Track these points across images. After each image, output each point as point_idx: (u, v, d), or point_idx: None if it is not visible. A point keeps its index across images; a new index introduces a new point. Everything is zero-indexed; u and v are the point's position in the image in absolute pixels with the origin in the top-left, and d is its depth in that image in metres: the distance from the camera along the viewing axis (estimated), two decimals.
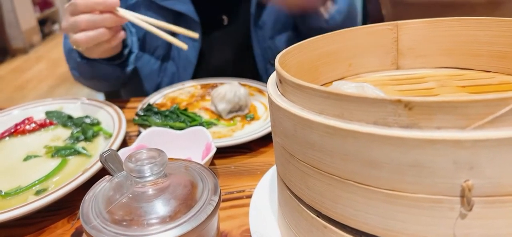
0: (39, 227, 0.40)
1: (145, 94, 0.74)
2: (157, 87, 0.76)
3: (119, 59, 0.65)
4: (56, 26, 4.85)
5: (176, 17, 0.71)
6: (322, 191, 0.25)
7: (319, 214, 0.26)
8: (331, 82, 0.40)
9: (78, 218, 0.42)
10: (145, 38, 0.74)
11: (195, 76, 0.75)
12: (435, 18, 0.39)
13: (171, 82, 0.76)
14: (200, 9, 0.71)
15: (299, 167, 0.26)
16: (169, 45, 0.75)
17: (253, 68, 0.78)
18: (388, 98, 0.21)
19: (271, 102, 0.29)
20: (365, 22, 0.90)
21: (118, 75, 0.67)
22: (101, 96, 1.00)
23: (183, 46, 0.60)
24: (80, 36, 0.54)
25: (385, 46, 0.40)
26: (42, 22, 4.54)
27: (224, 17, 0.76)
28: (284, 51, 0.34)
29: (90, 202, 0.28)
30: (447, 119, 0.20)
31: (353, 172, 0.23)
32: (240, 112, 0.58)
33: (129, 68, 0.67)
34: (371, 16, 0.85)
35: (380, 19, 0.85)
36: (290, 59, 0.35)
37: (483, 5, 0.89)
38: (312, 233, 0.27)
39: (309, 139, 0.24)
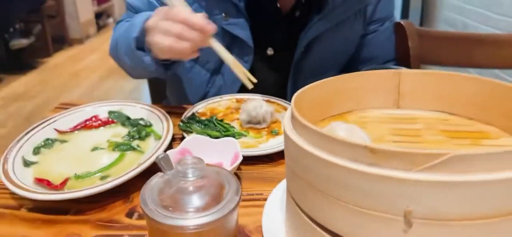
0: (101, 205, 0.52)
1: (193, 100, 0.84)
2: (204, 96, 0.86)
3: (168, 61, 0.70)
4: (110, 20, 5.19)
5: (233, 40, 0.80)
6: (314, 202, 0.34)
7: (310, 218, 0.35)
8: (341, 113, 0.49)
9: (131, 201, 0.53)
10: (200, 51, 0.84)
11: (239, 91, 0.85)
12: (431, 70, 0.47)
13: (218, 93, 0.85)
14: (254, 37, 0.80)
15: (299, 182, 0.36)
16: (221, 61, 0.84)
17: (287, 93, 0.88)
18: (359, 143, 0.30)
19: (284, 131, 0.38)
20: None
21: (158, 73, 0.73)
22: (148, 99, 1.13)
23: (249, 85, 0.69)
24: (167, 42, 0.59)
25: (389, 89, 0.49)
26: (98, 15, 4.88)
27: (270, 49, 0.85)
28: (301, 89, 0.43)
29: (148, 191, 0.39)
30: (398, 163, 0.28)
31: (333, 190, 0.32)
32: (258, 125, 0.68)
33: (170, 72, 0.75)
34: (397, 47, 0.92)
35: (406, 50, 0.91)
36: (307, 94, 0.45)
37: (508, 43, 0.93)
38: (305, 232, 0.36)
39: (306, 164, 0.34)
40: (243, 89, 0.85)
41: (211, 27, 0.61)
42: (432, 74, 0.47)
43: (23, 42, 3.41)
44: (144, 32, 0.65)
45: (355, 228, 0.31)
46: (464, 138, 0.40)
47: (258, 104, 0.67)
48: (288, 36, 0.84)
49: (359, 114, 0.48)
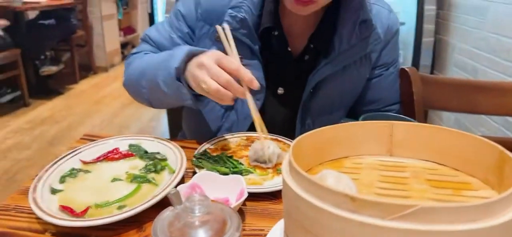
0: (117, 232, 0.57)
1: (207, 132, 0.90)
2: (218, 129, 0.92)
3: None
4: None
5: None
6: None
7: None
8: (337, 159, 0.53)
9: (144, 230, 0.58)
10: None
11: (251, 128, 0.90)
12: (421, 124, 0.51)
13: (230, 128, 0.91)
14: (266, 77, 0.87)
15: (292, 221, 0.40)
16: (235, 98, 0.90)
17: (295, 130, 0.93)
18: (342, 192, 0.34)
19: (282, 174, 0.43)
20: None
21: (189, 103, 0.77)
22: (166, 128, 1.20)
23: (261, 136, 0.75)
24: (213, 85, 0.65)
25: (382, 138, 0.53)
26: (124, 45, 5.11)
27: (280, 89, 0.91)
28: (301, 136, 0.48)
29: (159, 223, 0.44)
30: (375, 211, 0.32)
31: (320, 232, 0.36)
32: (264, 164, 0.72)
33: (201, 103, 0.81)
34: (402, 92, 0.96)
35: (410, 95, 0.96)
36: (307, 140, 0.49)
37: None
38: None
39: (298, 206, 0.38)
40: (253, 124, 0.91)
41: (256, 83, 0.67)
42: (423, 127, 0.51)
43: (52, 69, 3.60)
44: (185, 64, 0.72)
45: None
46: (446, 188, 0.44)
47: (266, 145, 0.72)
48: (297, 77, 0.89)
49: (354, 160, 0.52)
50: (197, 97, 0.77)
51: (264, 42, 0.87)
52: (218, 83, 0.66)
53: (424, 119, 1.01)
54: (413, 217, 0.31)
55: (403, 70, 0.97)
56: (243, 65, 0.84)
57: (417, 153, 0.51)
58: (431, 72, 2.08)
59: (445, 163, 0.49)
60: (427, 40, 2.03)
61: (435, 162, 0.50)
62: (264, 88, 0.87)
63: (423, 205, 0.31)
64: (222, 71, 0.67)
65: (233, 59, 0.69)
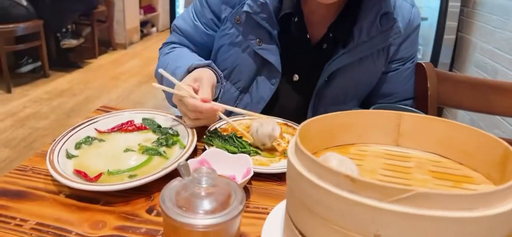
0: (127, 199, 0.60)
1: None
2: (230, 111, 0.94)
3: None
4: (154, 29, 5.46)
5: (263, 63, 0.89)
6: (304, 219, 0.40)
7: (301, 233, 0.41)
8: (343, 145, 0.54)
9: (152, 199, 0.61)
10: (233, 70, 0.92)
11: (264, 111, 0.92)
12: (430, 116, 0.51)
13: (244, 110, 0.93)
14: (282, 62, 0.88)
15: (294, 200, 0.41)
16: (251, 81, 0.92)
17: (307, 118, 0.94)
18: (343, 173, 0.35)
19: (288, 154, 0.44)
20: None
21: None
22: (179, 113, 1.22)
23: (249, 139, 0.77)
24: (188, 123, 0.76)
25: (389, 128, 0.53)
26: (143, 24, 5.16)
27: (296, 75, 0.92)
28: (309, 120, 0.49)
29: (167, 191, 0.46)
30: (373, 193, 0.34)
31: (320, 210, 0.37)
32: (261, 146, 0.74)
33: None
34: (416, 87, 0.95)
35: (425, 90, 0.95)
36: (314, 125, 0.50)
37: None
38: None
39: (300, 185, 0.39)
40: (266, 108, 0.92)
41: (216, 108, 0.73)
42: (430, 119, 0.51)
43: (73, 42, 3.67)
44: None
45: None
46: (448, 180, 0.44)
47: (258, 125, 0.73)
48: (313, 65, 0.90)
49: (359, 147, 0.53)
50: None
51: (283, 28, 0.87)
52: (190, 119, 0.75)
53: (438, 116, 1.00)
54: (410, 201, 0.32)
55: (419, 64, 0.96)
56: (261, 49, 0.86)
57: (423, 144, 0.52)
58: (450, 70, 2.05)
59: (449, 156, 0.50)
60: (449, 37, 1.99)
61: (440, 155, 0.51)
62: (279, 73, 0.88)
63: (419, 190, 0.32)
64: (187, 111, 0.74)
65: (189, 99, 0.73)
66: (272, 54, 0.87)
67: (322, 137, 0.52)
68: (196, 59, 0.87)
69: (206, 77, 0.77)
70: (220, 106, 0.75)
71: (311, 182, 0.37)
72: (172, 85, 0.76)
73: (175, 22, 0.99)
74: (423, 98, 0.96)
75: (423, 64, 0.96)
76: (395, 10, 0.85)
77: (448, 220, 0.32)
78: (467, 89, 0.98)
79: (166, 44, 1.00)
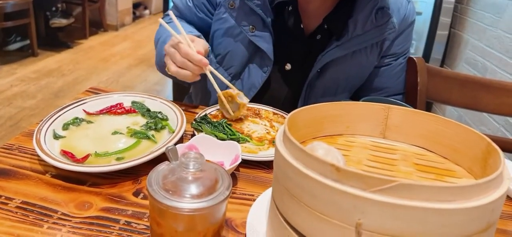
0: (114, 182, 0.60)
1: (214, 98, 0.92)
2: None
3: None
4: (146, 11, 5.39)
5: (256, 50, 0.88)
6: (288, 205, 0.40)
7: (285, 219, 0.41)
8: (331, 135, 0.55)
9: (139, 182, 0.61)
10: (225, 56, 0.92)
11: (255, 99, 0.92)
12: (417, 110, 0.52)
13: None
14: (275, 51, 0.88)
15: (280, 187, 0.42)
16: (243, 68, 0.92)
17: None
18: (327, 162, 0.36)
19: (276, 141, 0.45)
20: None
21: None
22: (170, 92, 1.22)
23: (231, 116, 0.80)
24: (172, 68, 0.75)
25: (377, 120, 0.54)
26: (136, 6, 5.08)
27: (288, 65, 0.92)
28: (298, 109, 0.50)
29: (155, 174, 0.46)
30: (356, 183, 0.34)
31: (304, 197, 0.38)
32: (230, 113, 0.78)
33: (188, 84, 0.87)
34: (407, 81, 0.96)
35: (415, 84, 0.96)
36: (303, 114, 0.51)
37: None
38: (279, 231, 0.42)
39: (286, 171, 0.40)
40: (257, 96, 0.92)
41: (205, 61, 0.75)
42: (417, 113, 0.52)
43: (63, 21, 3.60)
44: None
45: (317, 232, 0.37)
46: (431, 173, 0.45)
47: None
48: (306, 55, 0.90)
49: (347, 138, 0.54)
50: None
51: (278, 16, 0.87)
52: (176, 65, 0.75)
53: (427, 110, 1.01)
54: (392, 192, 0.33)
55: (410, 59, 0.97)
56: (254, 36, 0.85)
57: (409, 138, 0.53)
58: (441, 66, 2.07)
59: (434, 150, 0.51)
60: (441, 33, 2.01)
61: (425, 148, 0.51)
62: (271, 61, 0.88)
63: (401, 181, 0.32)
64: (177, 54, 0.75)
65: (184, 44, 0.75)
66: (264, 42, 0.87)
67: (311, 127, 0.52)
68: (192, 29, 0.90)
69: (202, 41, 0.80)
70: (205, 62, 0.76)
71: (297, 170, 0.38)
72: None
73: None
74: (413, 92, 0.97)
75: (414, 58, 0.97)
76: (390, 5, 0.85)
77: (428, 211, 0.32)
78: (456, 86, 0.99)
79: (165, 15, 1.01)
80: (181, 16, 0.96)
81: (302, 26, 0.88)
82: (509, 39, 1.56)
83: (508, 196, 0.66)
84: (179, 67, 0.75)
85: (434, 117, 0.50)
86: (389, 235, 0.33)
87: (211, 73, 0.78)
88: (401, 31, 0.91)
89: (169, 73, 0.78)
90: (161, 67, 0.86)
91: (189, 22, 0.96)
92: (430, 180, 0.44)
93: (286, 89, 0.95)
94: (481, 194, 0.34)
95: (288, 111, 0.88)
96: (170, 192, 0.44)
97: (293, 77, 0.93)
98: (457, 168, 0.47)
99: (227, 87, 0.81)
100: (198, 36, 0.83)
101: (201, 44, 0.78)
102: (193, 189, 0.44)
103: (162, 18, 1.00)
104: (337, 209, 0.35)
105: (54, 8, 3.52)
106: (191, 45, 0.75)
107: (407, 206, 0.32)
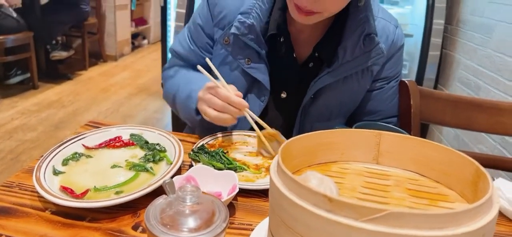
0: (113, 216, 0.60)
1: (213, 128, 0.93)
2: (222, 126, 0.95)
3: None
4: (145, 41, 5.47)
5: (253, 82, 0.91)
6: (284, 235, 0.41)
7: None
8: (326, 162, 0.56)
9: (138, 216, 0.61)
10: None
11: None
12: (407, 136, 0.53)
13: (235, 126, 0.94)
14: (270, 80, 0.90)
15: (276, 218, 0.42)
16: (243, 96, 0.94)
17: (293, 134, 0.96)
18: (321, 193, 0.37)
19: (270, 172, 0.46)
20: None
21: (192, 119, 0.88)
22: (169, 120, 1.23)
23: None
24: (213, 114, 0.76)
25: (370, 146, 0.55)
26: (134, 36, 5.16)
27: (284, 93, 0.94)
28: (292, 138, 0.51)
29: (152, 209, 0.47)
30: (349, 212, 0.35)
31: (298, 228, 0.38)
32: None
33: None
34: (400, 104, 0.98)
35: (408, 107, 0.98)
36: (297, 143, 0.52)
37: (508, 110, 0.98)
38: None
39: (281, 203, 0.41)
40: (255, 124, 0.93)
41: (245, 104, 0.77)
42: (408, 139, 0.53)
43: (63, 54, 3.66)
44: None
45: None
46: (424, 198, 0.46)
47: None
48: (300, 83, 0.92)
49: (341, 165, 0.55)
50: None
51: (271, 46, 0.89)
52: (216, 110, 0.76)
53: (420, 132, 1.03)
54: (384, 221, 0.34)
55: (402, 82, 0.99)
56: (250, 68, 0.88)
57: (402, 163, 0.54)
58: (435, 86, 2.09)
59: (427, 175, 0.52)
60: (433, 54, 2.04)
61: (418, 173, 0.52)
62: (268, 91, 0.90)
63: (392, 210, 0.33)
64: (216, 98, 0.76)
65: (222, 88, 0.77)
66: (261, 73, 0.89)
67: (305, 155, 0.54)
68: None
69: (232, 85, 0.82)
70: (246, 104, 0.77)
71: (291, 201, 0.39)
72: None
73: (172, 46, 1.01)
74: (407, 115, 0.99)
75: (406, 81, 0.98)
76: (379, 31, 0.88)
77: None
78: (449, 106, 1.01)
79: (167, 68, 1.02)
80: (184, 62, 0.98)
81: (295, 55, 0.90)
82: (499, 59, 1.59)
83: (505, 216, 0.67)
84: (219, 111, 0.76)
85: (424, 142, 0.52)
86: None
87: (248, 113, 0.80)
88: (390, 56, 0.93)
89: (206, 118, 0.79)
90: (191, 121, 0.88)
91: (192, 66, 0.96)
92: (423, 205, 0.45)
93: (282, 116, 0.97)
94: (472, 220, 0.35)
95: (285, 136, 0.89)
96: (168, 226, 0.44)
97: (289, 104, 0.95)
98: (449, 192, 0.48)
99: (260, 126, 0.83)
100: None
101: (233, 87, 0.81)
102: (191, 222, 0.45)
103: (164, 69, 1.03)
104: None
105: (54, 42, 3.58)
106: (228, 88, 0.77)
107: (398, 234, 0.33)
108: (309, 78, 0.90)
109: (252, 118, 0.80)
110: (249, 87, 0.92)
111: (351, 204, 0.35)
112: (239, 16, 0.86)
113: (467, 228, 0.34)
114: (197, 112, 0.84)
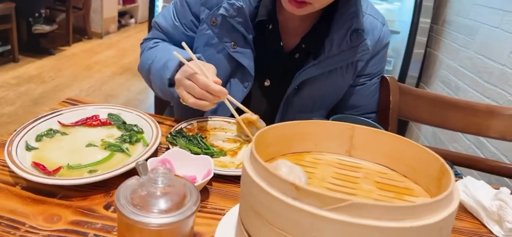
0: (85, 194, 0.60)
1: (195, 111, 0.92)
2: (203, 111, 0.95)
3: None
4: (132, 20, 5.37)
5: (237, 66, 0.90)
6: (252, 221, 0.42)
7: (249, 234, 0.43)
8: (300, 152, 0.57)
9: (111, 195, 0.61)
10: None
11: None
12: (380, 130, 0.55)
13: (215, 110, 0.94)
14: (255, 67, 0.90)
15: (245, 203, 0.43)
16: (224, 83, 0.92)
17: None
18: (289, 181, 0.37)
19: (243, 160, 0.46)
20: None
21: (171, 96, 0.85)
22: (152, 102, 1.22)
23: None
24: (191, 100, 0.74)
25: (343, 139, 0.56)
26: (121, 14, 5.06)
27: (267, 81, 0.94)
28: (267, 127, 0.51)
29: (123, 189, 0.47)
30: (314, 201, 0.36)
31: (266, 214, 0.39)
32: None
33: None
34: (380, 98, 0.99)
35: (387, 102, 0.99)
36: (272, 132, 0.53)
37: (482, 112, 1.00)
38: None
39: (250, 189, 0.41)
40: (237, 110, 0.93)
41: (225, 91, 0.75)
42: (381, 133, 0.54)
43: (45, 28, 3.56)
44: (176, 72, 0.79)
45: None
46: (390, 191, 0.47)
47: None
48: (285, 72, 0.92)
49: (315, 156, 0.56)
50: None
51: (259, 33, 0.89)
52: (194, 96, 0.75)
53: (400, 128, 1.05)
54: (346, 210, 0.35)
55: (383, 78, 1.00)
56: (236, 52, 0.87)
57: (373, 156, 0.55)
58: (417, 84, 2.13)
59: (396, 169, 0.53)
60: (418, 51, 2.08)
61: (388, 167, 0.54)
62: (252, 77, 0.90)
63: (355, 201, 0.34)
64: (195, 85, 0.74)
65: (201, 76, 0.75)
66: (246, 58, 0.89)
67: (280, 144, 0.54)
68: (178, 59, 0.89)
69: (212, 67, 0.80)
70: (225, 92, 0.76)
71: (260, 188, 0.39)
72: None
73: (155, 18, 0.99)
74: (385, 110, 1.00)
75: (387, 77, 1.00)
76: (366, 27, 0.89)
77: (380, 229, 0.34)
78: (426, 104, 1.03)
79: (148, 39, 1.00)
80: (166, 36, 0.96)
81: (282, 44, 0.90)
82: (480, 61, 1.63)
83: (470, 213, 0.69)
84: (197, 98, 0.75)
85: (395, 138, 0.53)
86: None
87: (228, 99, 0.79)
88: (376, 52, 0.94)
89: (184, 103, 0.78)
90: (163, 91, 0.86)
91: (174, 42, 0.95)
92: (389, 198, 0.46)
93: (265, 104, 0.97)
94: (431, 213, 0.36)
95: (267, 125, 0.89)
96: (138, 207, 0.44)
97: (272, 93, 0.95)
98: (415, 187, 0.49)
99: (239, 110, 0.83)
100: (199, 58, 0.83)
101: (213, 70, 0.78)
102: (161, 204, 0.45)
103: (144, 40, 1.01)
104: (296, 226, 0.37)
105: (37, 14, 3.48)
106: (207, 74, 0.75)
107: (360, 224, 0.34)
108: (295, 68, 0.91)
109: (233, 103, 0.80)
110: (233, 71, 0.92)
111: (316, 193, 0.36)
112: None
113: (425, 221, 0.35)
114: (170, 83, 0.82)
